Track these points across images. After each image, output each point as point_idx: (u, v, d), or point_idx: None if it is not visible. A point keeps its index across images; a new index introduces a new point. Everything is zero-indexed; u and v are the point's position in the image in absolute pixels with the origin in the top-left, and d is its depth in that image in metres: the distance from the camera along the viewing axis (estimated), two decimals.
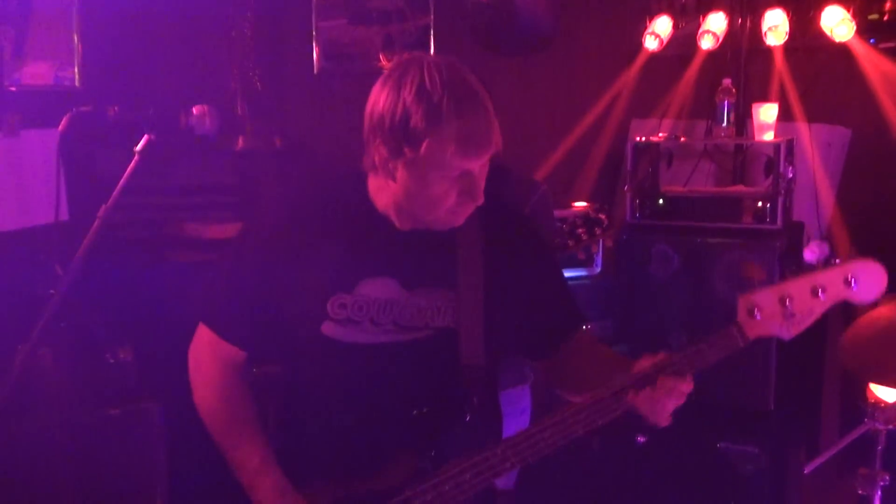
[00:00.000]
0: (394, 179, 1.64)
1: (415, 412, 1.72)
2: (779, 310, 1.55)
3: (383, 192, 1.71)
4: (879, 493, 2.16)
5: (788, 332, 1.58)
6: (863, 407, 2.20)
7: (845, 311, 2.36)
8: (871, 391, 2.34)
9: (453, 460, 1.67)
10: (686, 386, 1.59)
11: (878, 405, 2.16)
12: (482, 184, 1.65)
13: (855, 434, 2.14)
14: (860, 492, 2.18)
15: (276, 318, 1.75)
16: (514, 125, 3.38)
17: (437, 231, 1.72)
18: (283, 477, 1.71)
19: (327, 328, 1.71)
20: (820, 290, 1.53)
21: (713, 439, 3.29)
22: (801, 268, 3.49)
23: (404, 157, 1.58)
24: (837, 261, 1.62)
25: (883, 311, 2.31)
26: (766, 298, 1.55)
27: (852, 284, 1.53)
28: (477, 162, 1.61)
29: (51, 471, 2.28)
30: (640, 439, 3.42)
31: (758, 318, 1.56)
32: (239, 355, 1.81)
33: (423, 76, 1.55)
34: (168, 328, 3.16)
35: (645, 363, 1.63)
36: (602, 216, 2.75)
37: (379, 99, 1.59)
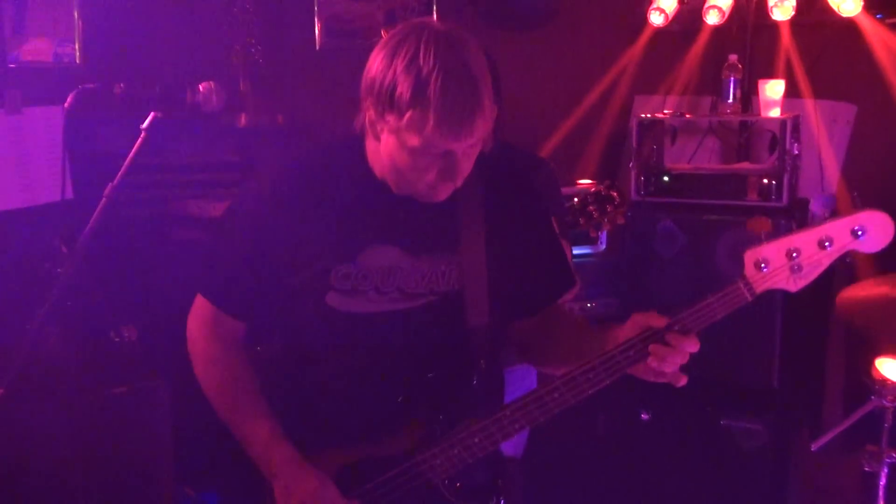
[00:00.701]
0: (378, 140, 1.64)
1: (422, 378, 1.71)
2: (786, 262, 1.53)
3: (377, 155, 1.70)
4: (886, 470, 2.17)
5: (795, 284, 1.55)
6: (869, 384, 2.21)
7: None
8: (878, 368, 2.34)
9: (461, 424, 1.67)
10: (691, 345, 1.57)
11: (885, 382, 2.16)
12: (466, 167, 1.65)
13: (862, 411, 2.15)
14: (866, 469, 2.19)
15: (277, 290, 1.74)
16: (517, 101, 3.36)
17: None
18: (293, 447, 1.70)
19: (332, 299, 1.70)
20: (827, 242, 1.51)
21: (716, 416, 3.31)
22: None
23: (388, 122, 1.58)
24: None
25: (869, 289, 2.32)
26: (772, 251, 1.53)
27: (859, 235, 1.50)
28: (458, 144, 1.58)
29: (58, 448, 2.29)
30: (644, 416, 3.45)
31: (765, 271, 1.53)
32: (238, 327, 1.81)
33: (419, 48, 1.53)
34: (172, 306, 3.17)
35: (638, 319, 1.60)
36: (614, 193, 2.73)
37: (374, 62, 1.59)
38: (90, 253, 1.92)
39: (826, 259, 1.53)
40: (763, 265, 1.53)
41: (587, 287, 3.45)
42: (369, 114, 1.62)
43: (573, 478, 3.42)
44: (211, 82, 1.85)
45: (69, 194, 2.45)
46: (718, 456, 3.29)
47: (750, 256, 1.54)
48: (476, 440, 1.66)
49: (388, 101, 1.56)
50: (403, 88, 1.53)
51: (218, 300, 1.78)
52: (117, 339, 2.84)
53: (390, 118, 1.57)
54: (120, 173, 1.81)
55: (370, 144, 1.71)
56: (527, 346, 1.92)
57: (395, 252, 1.71)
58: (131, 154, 1.81)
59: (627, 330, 1.61)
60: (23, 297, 2.11)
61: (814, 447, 2.12)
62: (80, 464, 2.26)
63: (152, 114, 1.83)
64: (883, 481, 2.18)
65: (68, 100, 1.79)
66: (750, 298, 1.56)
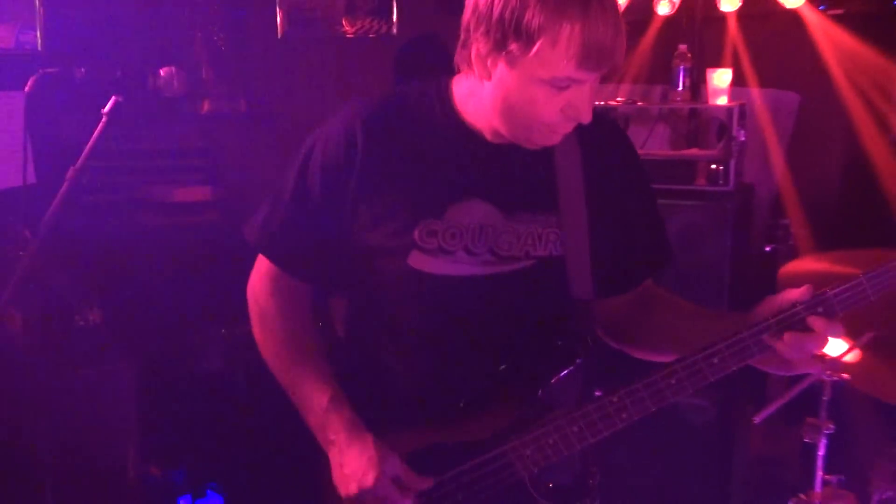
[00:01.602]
0: (489, 79, 1.40)
1: (517, 353, 1.50)
2: None
3: (473, 98, 1.48)
4: (824, 440, 2.21)
5: None
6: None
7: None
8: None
9: (560, 409, 1.45)
10: (835, 329, 1.34)
11: (824, 358, 2.19)
12: (591, 103, 1.40)
13: (802, 385, 2.17)
14: (806, 440, 2.22)
15: (350, 250, 1.53)
16: None
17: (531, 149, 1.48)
18: (355, 414, 1.51)
19: (415, 259, 1.48)
20: None
21: None
22: (751, 227, 3.54)
23: (510, 53, 1.34)
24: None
25: (808, 265, 2.33)
26: None
27: None
28: (594, 74, 1.35)
29: (25, 429, 2.26)
30: (598, 393, 3.48)
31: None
32: (303, 288, 1.63)
33: None
34: (137, 289, 3.15)
35: (774, 301, 1.39)
36: None
37: None
38: (55, 237, 1.89)
39: None
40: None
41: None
42: (478, 47, 1.38)
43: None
44: (172, 67, 1.82)
45: (31, 179, 2.41)
46: (669, 431, 3.33)
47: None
48: (575, 429, 1.42)
49: (512, 28, 1.32)
50: (535, 12, 1.30)
51: (281, 262, 1.59)
52: (83, 323, 2.81)
53: (514, 47, 1.33)
54: (82, 157, 1.78)
55: (461, 87, 1.50)
56: (621, 327, 1.65)
57: (488, 208, 1.48)
58: (93, 138, 1.78)
59: (763, 309, 1.40)
60: None
61: (756, 420, 2.14)
62: (46, 444, 2.23)
63: (113, 98, 1.80)
64: (821, 451, 2.22)
65: (28, 84, 1.76)
66: (873, 298, 1.33)
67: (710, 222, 3.21)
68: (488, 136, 1.49)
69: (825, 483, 2.24)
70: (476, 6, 1.38)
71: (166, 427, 3.09)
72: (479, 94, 1.45)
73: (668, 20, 3.71)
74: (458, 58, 1.45)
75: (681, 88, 3.53)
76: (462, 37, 1.43)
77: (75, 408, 2.46)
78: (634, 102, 3.61)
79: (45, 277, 2.55)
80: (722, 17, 3.64)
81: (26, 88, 1.76)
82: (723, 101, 3.40)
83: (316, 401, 1.53)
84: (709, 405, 3.32)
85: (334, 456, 1.50)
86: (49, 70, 1.79)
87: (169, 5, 3.95)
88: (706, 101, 3.47)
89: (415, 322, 1.54)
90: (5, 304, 1.75)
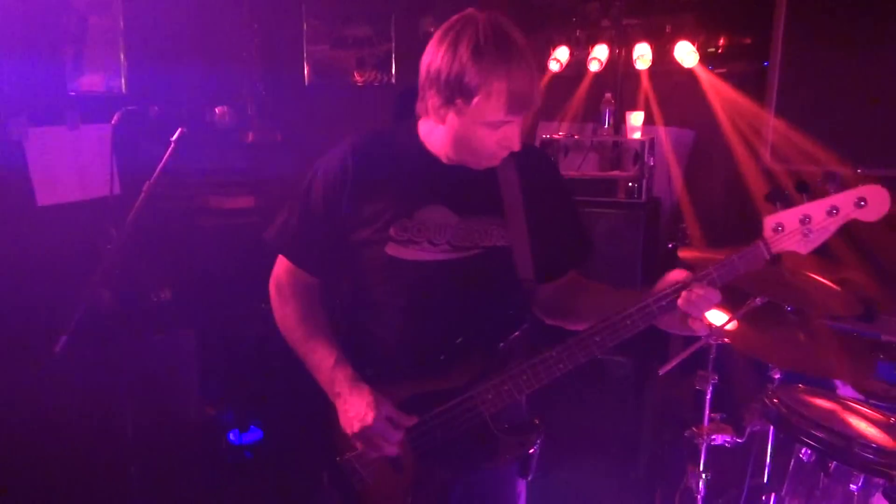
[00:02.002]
0: (443, 123, 1.43)
1: (476, 321, 1.49)
2: (798, 227, 1.34)
3: (433, 134, 1.49)
4: (711, 388, 2.21)
5: (806, 247, 1.36)
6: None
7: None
8: (706, 317, 2.39)
9: (513, 363, 1.45)
10: (716, 295, 1.36)
11: (711, 326, 2.20)
12: (521, 134, 1.43)
13: (695, 347, 2.17)
14: (697, 387, 2.23)
15: (344, 246, 1.53)
16: None
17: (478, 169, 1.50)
18: (354, 372, 1.51)
19: (391, 249, 1.49)
20: (834, 210, 1.32)
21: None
22: (658, 229, 3.56)
23: (456, 105, 1.37)
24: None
25: (695, 254, 2.34)
26: (788, 217, 1.34)
27: (861, 205, 1.32)
28: (520, 116, 1.38)
29: (108, 382, 2.23)
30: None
31: (780, 233, 1.34)
32: (313, 280, 1.60)
33: (479, 37, 1.33)
34: (198, 274, 3.11)
35: (670, 276, 1.41)
36: None
37: (436, 55, 1.38)
38: (135, 234, 1.86)
39: (833, 225, 1.34)
40: (780, 228, 1.34)
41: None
42: (433, 101, 1.40)
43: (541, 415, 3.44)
44: (225, 106, 1.79)
45: (117, 190, 2.38)
46: (596, 381, 3.34)
47: (769, 221, 1.35)
48: (524, 378, 1.43)
49: (457, 88, 1.34)
50: (472, 75, 1.32)
51: (295, 259, 1.58)
52: (156, 299, 2.77)
53: (459, 102, 1.35)
54: (155, 174, 1.76)
55: (424, 126, 1.51)
56: (554, 307, 1.64)
57: (446, 211, 1.50)
58: (164, 159, 1.75)
59: (660, 285, 1.41)
60: (81, 268, 2.04)
61: (661, 372, 2.14)
62: (126, 393, 2.20)
63: (179, 129, 1.77)
64: (709, 396, 2.23)
65: (115, 118, 1.73)
66: (768, 256, 1.36)
67: (627, 226, 3.22)
68: (444, 160, 1.51)
69: (711, 419, 2.25)
70: (428, 70, 1.41)
71: (219, 378, 3.05)
72: (436, 132, 1.49)
73: (598, 75, 3.72)
74: (418, 108, 1.48)
75: (606, 126, 3.54)
76: (420, 93, 1.45)
77: (150, 365, 2.43)
78: (572, 136, 3.61)
79: (127, 265, 2.51)
80: (637, 73, 3.65)
81: (112, 121, 1.72)
82: (637, 135, 3.41)
83: (324, 363, 1.53)
84: (626, 361, 3.33)
85: (340, 404, 1.50)
86: (130, 108, 1.75)
87: (223, 60, 3.91)
88: (625, 136, 3.48)
89: (393, 297, 1.54)
90: (96, 284, 1.72)
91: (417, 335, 1.53)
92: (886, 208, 1.34)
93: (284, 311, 1.60)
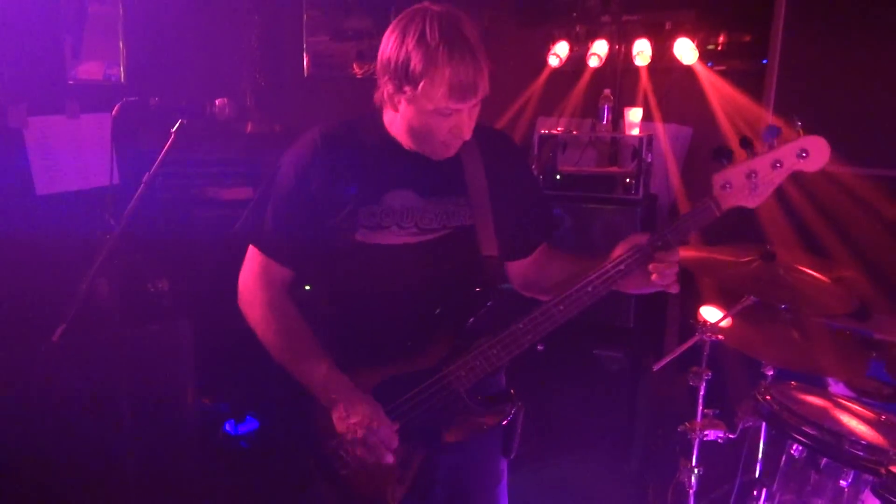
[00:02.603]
0: (397, 111, 1.47)
1: (444, 300, 1.50)
2: (745, 183, 1.37)
3: (394, 122, 1.52)
4: (704, 384, 2.23)
5: (754, 201, 1.39)
6: (694, 324, 2.26)
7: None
8: (701, 313, 2.41)
9: (482, 338, 1.47)
10: (675, 256, 1.40)
11: (705, 323, 2.22)
12: (472, 124, 1.47)
13: (689, 343, 2.19)
14: (691, 383, 2.24)
15: (315, 235, 1.53)
16: None
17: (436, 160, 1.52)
18: (348, 379, 1.49)
19: (360, 234, 1.50)
20: (778, 164, 1.35)
21: (590, 347, 3.37)
22: (655, 226, 3.57)
23: (405, 93, 1.41)
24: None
25: (692, 252, 2.34)
26: (734, 174, 1.37)
27: (804, 156, 1.35)
28: (465, 104, 1.41)
29: (105, 370, 2.23)
30: (540, 348, 3.49)
31: (728, 190, 1.37)
32: (286, 274, 1.57)
33: (425, 26, 1.37)
34: (195, 264, 3.11)
35: (627, 241, 1.45)
36: None
37: (387, 44, 1.43)
38: (135, 225, 1.87)
39: (777, 178, 1.36)
40: (727, 186, 1.37)
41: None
42: (387, 89, 1.45)
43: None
44: (224, 98, 1.80)
45: (116, 180, 2.37)
46: (592, 376, 3.37)
47: (717, 179, 1.38)
48: (494, 352, 1.46)
49: (403, 75, 1.39)
50: (416, 62, 1.37)
51: (269, 250, 1.56)
52: (153, 290, 2.78)
53: (407, 89, 1.40)
54: (155, 165, 1.76)
55: (387, 115, 1.54)
56: (529, 282, 1.69)
57: (412, 195, 1.51)
58: (164, 150, 1.76)
59: (619, 250, 1.45)
60: (80, 258, 2.04)
61: (655, 368, 2.16)
62: (123, 383, 2.21)
63: (179, 121, 1.77)
64: (702, 392, 2.24)
65: (115, 109, 1.73)
66: (718, 213, 1.40)
67: (624, 222, 3.24)
68: (406, 147, 1.53)
69: (704, 415, 2.27)
70: (381, 58, 1.45)
71: (216, 369, 3.06)
72: (395, 120, 1.51)
73: (597, 70, 3.73)
74: (376, 97, 1.51)
75: (605, 122, 3.54)
76: (377, 81, 1.49)
77: (147, 355, 2.43)
78: (571, 131, 3.62)
79: (126, 255, 2.52)
80: (636, 70, 3.66)
81: (113, 112, 1.73)
82: (635, 131, 3.42)
83: (316, 371, 1.51)
84: (622, 356, 3.35)
85: (339, 410, 1.47)
86: (131, 98, 1.76)
87: (223, 51, 3.91)
88: (623, 132, 3.49)
89: (364, 282, 1.55)
90: (94, 274, 1.72)
91: (389, 318, 1.53)
92: (826, 158, 1.36)
93: (264, 316, 1.55)
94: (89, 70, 3.54)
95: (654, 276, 1.41)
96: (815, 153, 1.36)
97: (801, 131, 1.40)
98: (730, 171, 1.37)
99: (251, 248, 1.59)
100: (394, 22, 1.45)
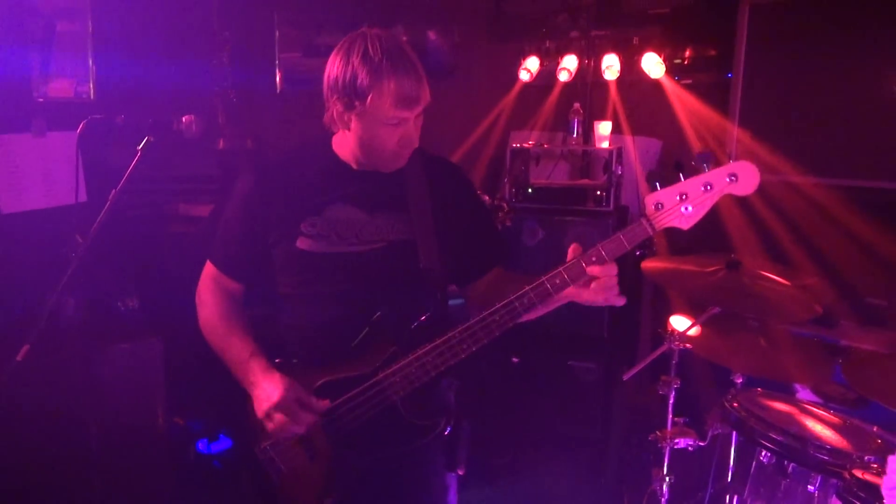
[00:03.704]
0: (348, 129, 1.54)
1: (381, 308, 1.55)
2: (678, 203, 1.40)
3: (343, 143, 1.61)
4: (674, 392, 2.25)
5: (686, 222, 1.42)
6: (663, 334, 2.28)
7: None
8: (670, 323, 2.44)
9: (419, 347, 1.51)
10: (611, 268, 1.42)
11: (673, 332, 2.24)
12: (417, 132, 1.56)
13: (658, 352, 2.22)
14: (660, 392, 2.27)
15: (261, 247, 1.62)
16: (422, 136, 3.36)
17: (387, 172, 1.61)
18: (268, 362, 1.56)
19: (301, 243, 1.58)
20: (709, 186, 1.38)
21: (565, 358, 3.40)
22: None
23: (355, 109, 1.49)
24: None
25: (655, 265, 2.38)
26: (667, 195, 1.40)
27: (733, 180, 1.37)
28: (410, 112, 1.50)
29: (73, 390, 2.20)
30: (515, 360, 3.51)
31: (662, 211, 1.40)
32: (236, 287, 1.68)
33: (367, 45, 1.47)
34: (166, 283, 3.08)
35: (571, 255, 1.47)
36: (504, 204, 2.80)
37: (333, 65, 1.51)
38: (102, 242, 1.84)
39: (709, 200, 1.39)
40: (660, 206, 1.40)
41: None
42: (336, 109, 1.53)
43: (464, 406, 3.46)
44: (191, 115, 1.79)
45: (83, 198, 2.35)
46: (567, 386, 3.38)
47: (650, 200, 1.41)
48: (430, 359, 1.50)
49: (352, 91, 1.47)
50: (362, 77, 1.45)
51: (220, 265, 1.68)
52: (123, 308, 2.74)
53: (357, 104, 1.48)
54: (121, 182, 1.74)
55: (336, 137, 1.63)
56: (486, 301, 1.65)
57: (354, 210, 1.60)
58: (130, 167, 1.74)
59: (570, 256, 1.47)
60: (47, 276, 2.02)
61: (625, 377, 2.18)
62: (91, 403, 2.17)
63: (146, 138, 1.76)
64: (671, 400, 2.26)
65: (80, 127, 1.72)
66: (652, 232, 1.43)
67: (595, 233, 3.27)
68: (355, 166, 1.62)
69: (675, 423, 2.30)
70: (328, 80, 1.54)
71: (189, 387, 3.01)
72: (345, 139, 1.60)
73: (567, 85, 3.79)
74: (325, 120, 1.59)
75: (575, 135, 3.59)
76: (325, 105, 1.57)
77: (116, 373, 2.40)
78: (542, 145, 3.66)
79: (94, 273, 2.49)
80: (605, 84, 3.73)
81: (78, 130, 1.71)
82: (605, 144, 3.47)
83: (241, 356, 1.58)
84: (595, 367, 3.38)
85: (254, 392, 1.54)
86: (97, 116, 1.75)
87: (194, 67, 3.89)
88: (594, 145, 3.54)
89: (305, 288, 1.61)
90: (60, 292, 1.70)
91: (328, 324, 1.58)
92: (756, 183, 1.39)
93: (205, 313, 1.68)
94: (59, 88, 3.50)
95: (592, 286, 1.43)
96: (744, 177, 1.39)
97: (731, 158, 1.45)
98: (662, 192, 1.41)
99: (207, 261, 1.72)
100: (336, 47, 1.55)
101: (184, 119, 1.79)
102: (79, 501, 2.18)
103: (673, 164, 1.48)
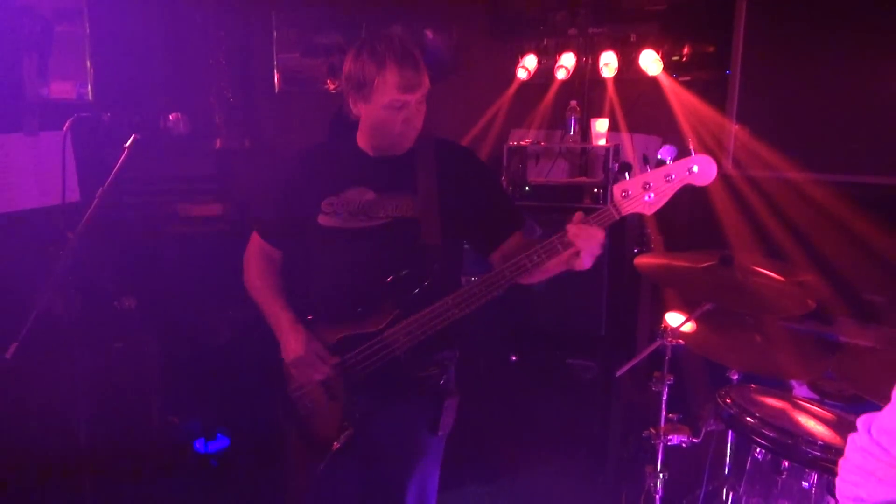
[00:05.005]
0: (361, 116, 1.79)
1: (389, 276, 1.77)
2: (642, 192, 1.55)
3: (361, 135, 1.86)
4: (667, 389, 2.24)
5: (649, 209, 1.58)
6: (657, 330, 2.27)
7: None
8: (665, 319, 2.42)
9: (419, 310, 1.73)
10: (598, 232, 1.60)
11: (667, 328, 2.23)
12: (421, 117, 1.78)
13: (651, 348, 2.21)
14: (654, 388, 2.26)
15: (293, 220, 1.89)
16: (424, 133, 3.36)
17: (400, 156, 1.83)
18: (295, 317, 1.85)
19: (322, 219, 1.84)
20: (671, 177, 1.53)
21: (563, 356, 3.38)
22: (624, 235, 3.59)
23: (364, 97, 1.74)
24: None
25: (652, 260, 2.39)
26: (633, 185, 1.55)
27: (693, 172, 1.53)
28: (412, 96, 1.73)
29: (65, 393, 2.20)
30: (513, 358, 3.50)
31: (627, 198, 1.55)
32: (275, 253, 1.97)
33: (374, 44, 1.73)
34: (165, 283, 3.09)
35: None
36: None
37: (346, 66, 1.77)
38: (90, 240, 1.85)
39: (670, 190, 1.55)
40: (626, 194, 1.55)
41: (473, 265, 3.50)
42: (352, 99, 1.78)
43: (462, 403, 3.46)
44: (178, 113, 1.80)
45: (76, 198, 2.36)
46: (565, 384, 3.37)
47: (617, 188, 1.57)
48: (428, 320, 1.73)
49: (361, 80, 1.73)
50: (369, 68, 1.71)
51: (262, 233, 1.97)
52: (119, 308, 2.75)
53: (365, 91, 1.73)
54: (109, 180, 1.75)
55: (359, 130, 1.86)
56: None
57: (367, 191, 1.83)
58: (117, 165, 1.75)
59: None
60: (36, 274, 2.02)
61: (618, 374, 2.17)
62: (83, 401, 2.17)
63: (133, 136, 1.77)
64: (664, 397, 2.25)
65: (66, 124, 1.72)
66: (618, 217, 1.59)
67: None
68: (371, 153, 1.88)
69: (669, 420, 2.29)
70: (343, 80, 1.80)
71: (185, 387, 3.02)
72: (361, 128, 1.86)
73: (565, 82, 3.77)
74: (345, 109, 1.84)
75: (572, 133, 3.57)
76: (344, 98, 1.82)
77: (111, 373, 2.40)
78: (539, 143, 3.65)
79: (92, 272, 2.49)
80: (603, 81, 3.71)
81: (64, 128, 1.72)
82: (602, 142, 3.45)
83: (273, 309, 1.89)
84: (594, 365, 3.36)
85: (282, 341, 1.85)
86: (83, 114, 1.76)
87: (192, 68, 3.91)
88: (591, 142, 3.52)
89: (324, 257, 1.88)
90: (48, 290, 1.71)
91: (342, 288, 1.84)
92: (714, 174, 1.54)
93: (249, 275, 1.97)
94: (62, 90, 3.53)
95: (569, 236, 1.61)
96: (702, 170, 1.53)
97: (693, 151, 1.57)
98: (629, 182, 1.55)
99: (253, 232, 2.00)
100: (355, 48, 1.79)
101: (171, 117, 1.80)
102: (71, 500, 2.19)
103: (641, 157, 1.58)
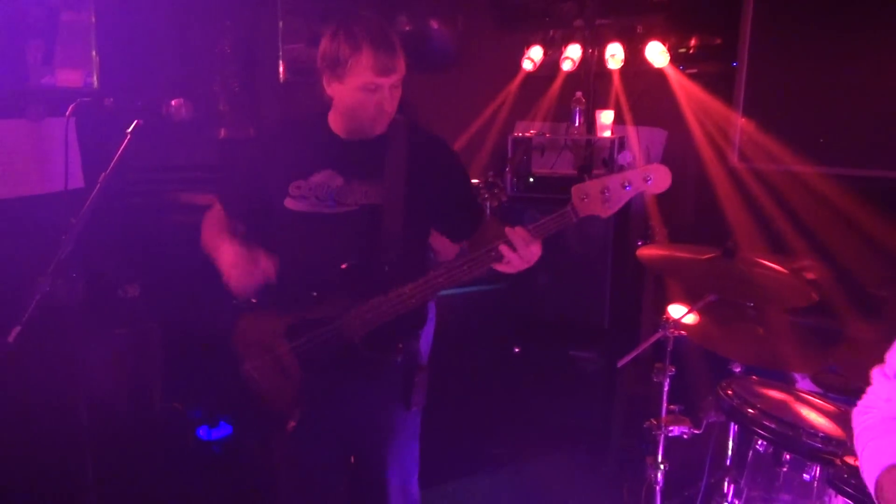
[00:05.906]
0: (335, 97, 1.75)
1: (347, 262, 1.76)
2: (599, 196, 1.59)
3: (333, 116, 1.81)
4: (668, 380, 2.24)
5: (605, 211, 1.62)
6: (659, 321, 2.27)
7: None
8: (668, 311, 2.42)
9: (375, 297, 1.72)
10: (536, 248, 1.63)
11: (668, 320, 2.23)
12: (394, 101, 1.74)
13: (652, 339, 2.20)
14: (655, 380, 2.25)
15: (258, 199, 1.85)
16: (429, 124, 3.35)
17: (371, 141, 1.79)
18: (242, 245, 1.77)
19: (288, 202, 1.80)
20: (627, 185, 1.59)
21: (567, 348, 3.40)
22: (628, 227, 3.58)
23: (338, 77, 1.70)
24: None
25: (655, 252, 2.38)
26: (591, 188, 1.60)
27: (648, 181, 1.59)
28: (386, 80, 1.69)
29: (67, 379, 2.21)
30: (516, 349, 3.50)
31: (585, 201, 1.60)
32: (238, 226, 1.92)
33: (350, 25, 1.70)
34: (167, 271, 3.10)
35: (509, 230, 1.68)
36: (498, 181, 2.86)
37: (322, 46, 1.74)
38: (92, 225, 1.85)
39: (626, 196, 1.61)
40: (585, 197, 1.60)
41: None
42: (326, 79, 1.74)
43: (465, 394, 3.46)
44: (181, 99, 1.80)
45: (80, 184, 2.37)
46: (568, 376, 3.38)
47: (576, 191, 1.61)
48: (384, 308, 1.71)
49: (335, 60, 1.69)
50: (345, 48, 1.68)
51: (225, 206, 1.94)
52: (123, 295, 2.77)
53: (340, 71, 1.69)
54: (111, 165, 1.75)
55: (331, 113, 1.82)
56: None
57: (335, 175, 1.79)
58: (119, 151, 1.75)
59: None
60: (40, 260, 2.03)
61: (619, 364, 2.17)
62: (84, 387, 2.18)
63: (135, 122, 1.77)
64: (666, 388, 2.25)
65: (69, 110, 1.72)
66: (575, 220, 1.63)
67: (599, 223, 3.25)
68: (343, 136, 1.82)
69: (669, 411, 2.28)
70: (319, 59, 1.75)
71: (189, 374, 3.03)
72: (334, 109, 1.81)
73: (570, 74, 3.76)
74: (319, 90, 1.79)
75: (577, 124, 3.56)
76: (319, 79, 1.78)
77: (113, 359, 2.41)
78: (543, 134, 3.64)
79: (96, 259, 2.51)
80: (608, 73, 3.69)
81: (66, 113, 1.72)
82: (607, 133, 3.44)
83: (214, 243, 1.84)
84: (597, 357, 3.37)
85: (219, 259, 1.79)
86: (85, 99, 1.76)
87: (197, 57, 3.91)
88: (596, 134, 3.51)
89: (287, 241, 1.84)
90: (52, 275, 1.71)
91: (304, 272, 1.80)
92: (668, 184, 1.61)
93: (205, 227, 1.93)
94: (69, 78, 3.53)
95: (504, 251, 1.62)
96: (657, 179, 1.59)
97: (650, 160, 1.62)
98: (588, 185, 1.60)
99: (216, 201, 1.98)
100: (330, 30, 1.75)
101: (173, 103, 1.79)
102: (72, 486, 2.20)
103: (601, 161, 1.61)
